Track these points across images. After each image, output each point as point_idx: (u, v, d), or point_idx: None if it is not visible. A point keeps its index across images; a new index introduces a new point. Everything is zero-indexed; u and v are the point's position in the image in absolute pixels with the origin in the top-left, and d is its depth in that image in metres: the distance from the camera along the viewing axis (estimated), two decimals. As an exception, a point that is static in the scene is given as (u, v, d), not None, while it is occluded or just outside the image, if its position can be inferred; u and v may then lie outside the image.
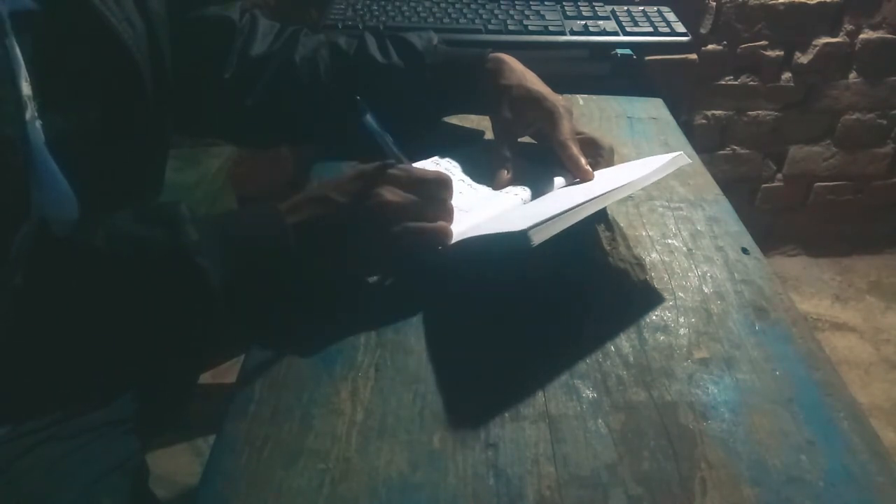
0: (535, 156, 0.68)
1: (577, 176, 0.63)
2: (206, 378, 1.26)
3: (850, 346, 1.69)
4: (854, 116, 1.73)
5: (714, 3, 1.49)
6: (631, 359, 0.51)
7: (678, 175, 0.72)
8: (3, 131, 0.43)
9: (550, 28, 0.92)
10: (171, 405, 0.73)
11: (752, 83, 1.63)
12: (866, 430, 0.46)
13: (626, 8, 0.99)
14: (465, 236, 0.56)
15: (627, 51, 0.94)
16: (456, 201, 0.61)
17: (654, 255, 0.61)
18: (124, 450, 0.64)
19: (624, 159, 0.72)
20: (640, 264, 0.60)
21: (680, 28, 0.95)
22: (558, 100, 0.66)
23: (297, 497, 0.41)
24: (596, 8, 0.99)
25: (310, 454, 0.43)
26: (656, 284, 0.58)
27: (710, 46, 1.55)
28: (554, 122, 0.64)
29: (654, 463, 0.43)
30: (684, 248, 0.62)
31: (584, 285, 0.58)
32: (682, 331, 0.53)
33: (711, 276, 0.59)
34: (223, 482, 0.42)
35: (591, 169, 0.63)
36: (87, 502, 0.59)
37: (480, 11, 0.95)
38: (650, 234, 0.64)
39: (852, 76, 1.66)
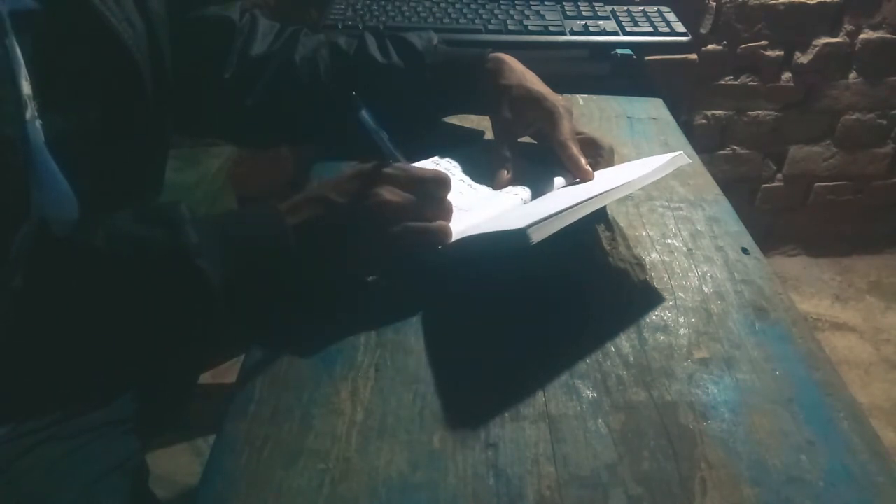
0: (535, 156, 0.68)
1: (577, 176, 0.63)
2: (206, 378, 1.26)
3: (850, 346, 1.69)
4: (854, 116, 1.73)
5: (714, 3, 1.49)
6: (631, 359, 0.51)
7: (678, 175, 0.72)
8: (3, 131, 0.43)
9: (550, 28, 0.92)
10: (171, 405, 0.73)
11: (752, 83, 1.63)
12: (866, 430, 0.46)
13: (626, 8, 0.99)
14: (464, 235, 0.56)
15: (627, 51, 0.94)
16: (456, 201, 0.61)
17: (654, 255, 0.61)
18: (124, 450, 0.64)
19: (624, 159, 0.72)
20: (640, 264, 0.60)
21: (680, 28, 0.95)
22: (558, 100, 0.66)
23: (297, 497, 0.41)
24: (596, 8, 0.99)
25: (310, 454, 0.43)
26: (656, 284, 0.58)
27: (710, 46, 1.55)
28: (554, 122, 0.64)
29: (654, 463, 0.43)
30: (684, 248, 0.62)
31: (584, 285, 0.58)
32: (682, 331, 0.53)
33: (711, 276, 0.59)
34: (223, 482, 0.42)
35: (591, 169, 0.63)
36: (87, 502, 0.59)
37: (480, 11, 0.95)
38: (650, 234, 0.64)
39: (852, 76, 1.66)
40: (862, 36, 1.60)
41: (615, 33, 0.93)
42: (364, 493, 0.41)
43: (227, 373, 1.28)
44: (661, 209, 0.68)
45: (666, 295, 0.57)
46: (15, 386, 0.46)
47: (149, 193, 0.67)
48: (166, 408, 0.72)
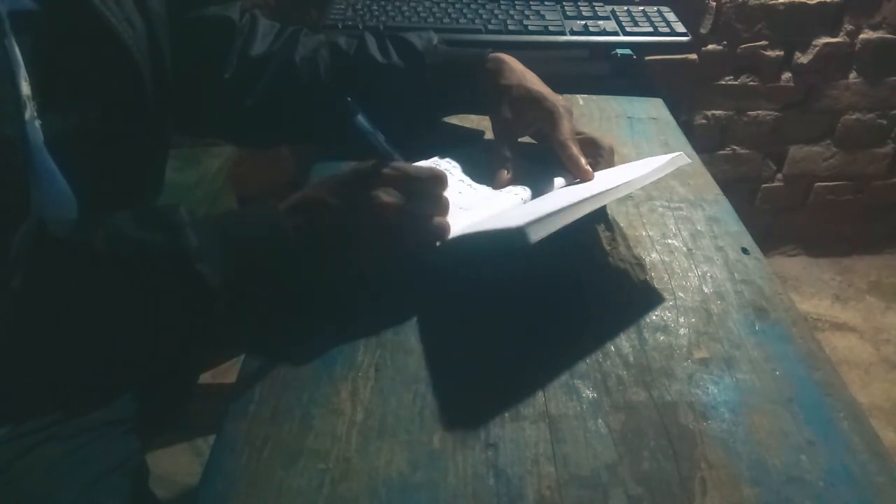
0: (535, 156, 0.68)
1: (577, 176, 0.63)
2: (206, 378, 1.26)
3: (850, 346, 1.69)
4: (854, 116, 1.73)
5: (714, 3, 1.49)
6: (631, 359, 0.51)
7: (678, 175, 0.72)
8: (2, 131, 0.43)
9: (550, 28, 0.92)
10: (171, 405, 0.73)
11: (752, 83, 1.63)
12: (866, 430, 0.46)
13: (626, 8, 0.99)
14: (464, 233, 0.56)
15: (627, 51, 0.94)
16: (456, 201, 0.61)
17: (654, 255, 0.61)
18: (124, 450, 0.64)
19: (624, 159, 0.72)
20: (640, 264, 0.60)
21: (680, 28, 0.95)
22: (558, 100, 0.66)
23: (297, 497, 0.41)
24: (596, 8, 0.99)
25: (310, 454, 0.43)
26: (656, 284, 0.58)
27: (710, 46, 1.55)
28: (554, 122, 0.64)
29: (654, 463, 0.43)
30: (684, 248, 0.62)
31: (584, 285, 0.58)
32: (682, 331, 0.53)
33: (711, 276, 0.59)
34: (223, 482, 0.42)
35: (591, 169, 0.63)
36: (87, 502, 0.59)
37: (480, 11, 0.95)
38: (650, 234, 0.64)
39: (852, 76, 1.66)
40: (862, 36, 1.60)
41: (615, 33, 0.93)
42: (364, 493, 0.41)
43: (227, 373, 1.28)
44: (661, 209, 0.68)
45: (666, 295, 0.57)
46: (15, 386, 0.46)
47: (149, 193, 0.67)
48: (166, 408, 0.72)
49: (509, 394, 0.47)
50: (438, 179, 0.55)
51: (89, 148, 0.52)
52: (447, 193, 0.61)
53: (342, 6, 0.96)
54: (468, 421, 0.45)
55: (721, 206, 0.68)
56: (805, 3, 1.52)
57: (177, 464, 1.30)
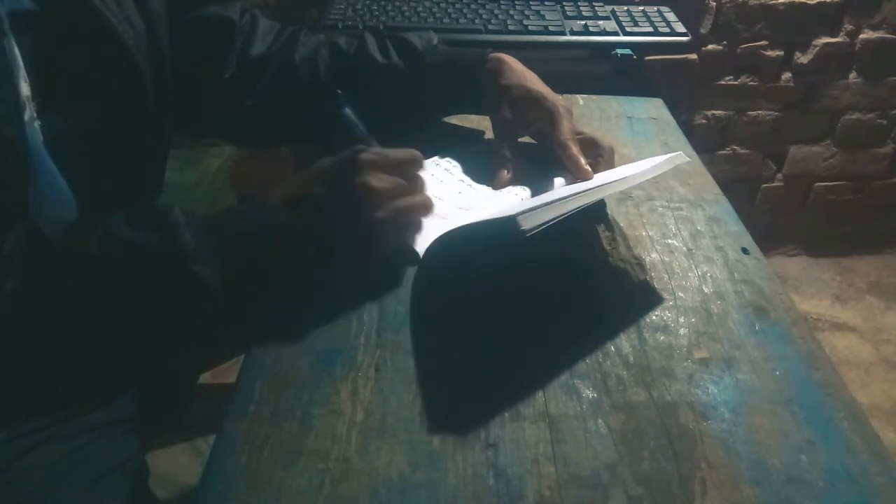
0: (535, 156, 0.68)
1: (577, 176, 0.63)
2: (206, 378, 1.26)
3: (850, 346, 1.69)
4: (854, 116, 1.73)
5: (714, 3, 1.49)
6: (631, 359, 0.51)
7: (678, 175, 0.72)
8: (1, 132, 0.43)
9: (550, 28, 0.92)
10: (171, 405, 0.73)
11: (752, 83, 1.63)
12: (866, 430, 0.46)
13: (626, 8, 0.99)
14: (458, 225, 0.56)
15: (627, 51, 0.94)
16: (456, 201, 0.61)
17: (654, 255, 0.61)
18: (124, 450, 0.64)
19: (624, 159, 0.72)
20: (640, 264, 0.60)
21: (680, 28, 0.95)
22: (558, 100, 0.66)
23: (297, 497, 0.41)
24: (596, 8, 0.99)
25: (310, 454, 0.43)
26: (656, 284, 0.58)
27: (710, 46, 1.55)
28: (554, 122, 0.64)
29: (654, 463, 0.43)
30: (684, 248, 0.62)
31: (584, 285, 0.58)
32: (682, 331, 0.53)
33: (711, 276, 0.59)
34: (223, 482, 0.42)
35: (590, 169, 0.63)
36: (87, 502, 0.59)
37: (480, 11, 0.95)
38: (650, 234, 0.64)
39: (852, 76, 1.66)
40: (862, 36, 1.60)
41: (615, 33, 0.93)
42: (364, 493, 0.41)
43: (227, 373, 1.28)
44: (661, 209, 0.68)
45: (666, 295, 0.57)
46: (14, 386, 0.46)
47: (149, 193, 0.67)
48: (166, 408, 0.72)
49: (509, 394, 0.47)
50: (417, 160, 0.57)
51: (89, 148, 0.52)
52: (447, 193, 0.61)
53: (342, 6, 0.96)
54: (468, 421, 0.45)
55: (721, 206, 0.68)
56: (805, 3, 1.52)
57: (177, 464, 1.30)
